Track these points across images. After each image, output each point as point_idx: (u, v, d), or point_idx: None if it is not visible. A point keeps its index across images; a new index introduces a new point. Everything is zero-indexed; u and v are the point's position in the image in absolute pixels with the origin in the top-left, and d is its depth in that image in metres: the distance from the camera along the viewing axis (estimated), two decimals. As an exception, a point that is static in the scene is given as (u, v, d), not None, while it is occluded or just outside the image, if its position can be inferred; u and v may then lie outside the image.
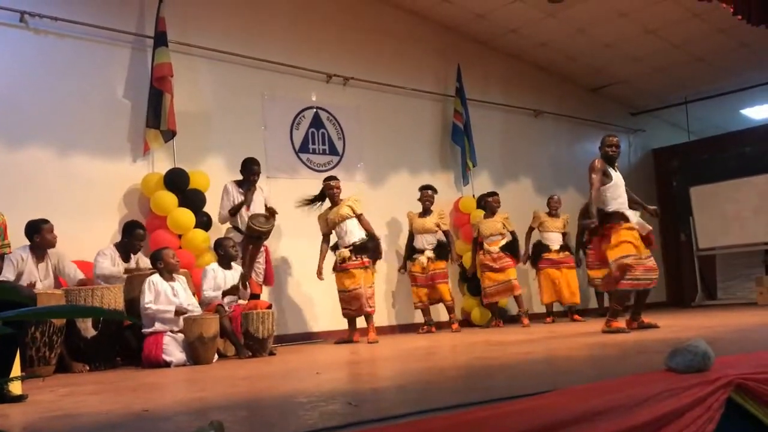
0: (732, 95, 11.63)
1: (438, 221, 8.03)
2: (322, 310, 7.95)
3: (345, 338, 7.20)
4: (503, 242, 8.45)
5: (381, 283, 7.76)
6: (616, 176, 6.15)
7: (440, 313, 8.64)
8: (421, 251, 7.99)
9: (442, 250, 8.02)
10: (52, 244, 5.64)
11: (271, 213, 6.79)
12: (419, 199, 8.12)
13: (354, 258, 6.98)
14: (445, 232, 8.10)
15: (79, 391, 3.98)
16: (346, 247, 7.02)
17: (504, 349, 5.02)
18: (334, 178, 7.35)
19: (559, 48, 10.12)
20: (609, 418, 2.19)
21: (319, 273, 7.15)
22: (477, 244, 8.56)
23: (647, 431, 2.25)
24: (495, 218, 8.56)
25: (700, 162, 11.92)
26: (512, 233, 8.57)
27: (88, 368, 5.47)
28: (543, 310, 9.11)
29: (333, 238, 7.28)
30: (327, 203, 7.34)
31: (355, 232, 7.06)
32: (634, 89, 11.72)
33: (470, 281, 9.01)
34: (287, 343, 7.39)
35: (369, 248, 7.06)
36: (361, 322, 7.25)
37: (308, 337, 7.80)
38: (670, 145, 12.64)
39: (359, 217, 7.12)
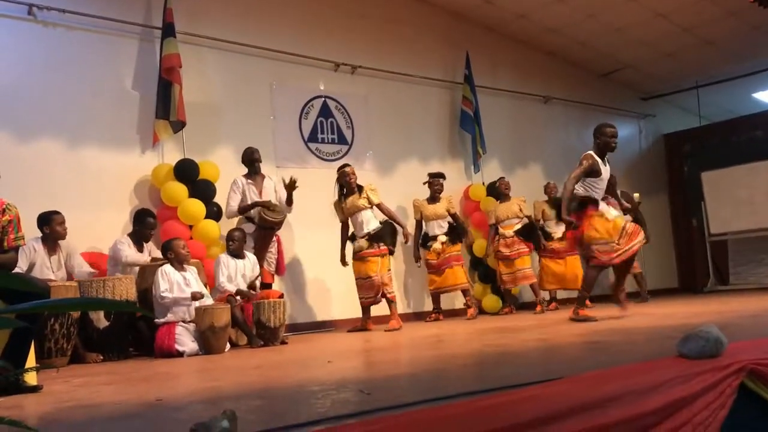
0: (743, 79, 11.52)
1: (448, 206, 8.02)
2: (334, 299, 7.98)
3: (358, 326, 7.18)
4: (519, 226, 8.42)
5: (393, 270, 7.74)
6: (605, 170, 6.03)
7: (453, 300, 8.65)
8: (435, 237, 7.98)
9: (455, 234, 7.99)
10: (62, 236, 5.67)
11: (291, 185, 6.77)
12: (430, 187, 8.08)
13: (371, 247, 6.96)
14: (453, 215, 8.09)
15: (94, 382, 4.01)
16: (362, 237, 7.01)
17: (515, 337, 5.02)
18: (347, 165, 7.26)
19: (568, 33, 10.04)
20: (621, 404, 2.19)
21: (342, 260, 7.14)
22: (494, 229, 8.55)
23: (659, 417, 2.25)
24: (511, 201, 8.55)
25: (711, 147, 11.84)
26: (528, 218, 8.53)
27: (101, 358, 5.52)
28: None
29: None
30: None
31: (370, 222, 7.01)
32: (645, 74, 11.63)
33: (481, 268, 9.01)
34: (299, 332, 7.42)
35: (385, 235, 7.01)
36: (378, 310, 7.23)
37: (320, 326, 7.83)
38: (682, 130, 12.55)
39: (378, 206, 7.06)
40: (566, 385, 2.37)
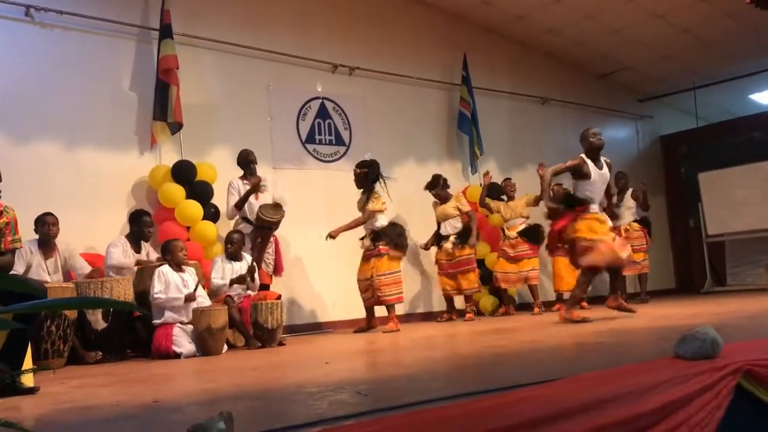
0: (740, 80, 11.54)
1: (456, 204, 8.01)
2: (332, 301, 7.98)
3: (363, 327, 7.17)
4: (522, 226, 8.41)
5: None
6: (598, 174, 6.05)
7: (457, 301, 8.65)
8: (447, 237, 7.97)
9: (463, 237, 7.93)
10: (51, 236, 5.66)
11: (276, 206, 6.81)
12: (434, 196, 8.10)
13: (372, 246, 6.97)
14: (468, 213, 8.01)
15: (90, 383, 4.01)
16: (367, 236, 7.04)
17: (513, 338, 5.03)
18: (358, 164, 7.21)
19: (566, 34, 10.05)
20: (617, 405, 2.19)
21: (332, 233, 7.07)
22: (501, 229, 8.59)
23: (656, 418, 2.25)
24: (515, 201, 8.53)
25: (708, 148, 11.86)
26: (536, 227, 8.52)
27: (101, 354, 5.50)
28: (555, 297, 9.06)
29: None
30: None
31: (375, 222, 7.02)
32: (642, 75, 11.64)
33: (481, 270, 8.99)
34: (297, 334, 7.41)
35: (385, 235, 7.00)
36: (380, 310, 7.22)
37: (319, 327, 7.82)
38: (679, 131, 12.57)
39: (366, 213, 7.01)
40: (563, 385, 2.37)
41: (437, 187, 8.03)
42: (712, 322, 4.00)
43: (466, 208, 8.04)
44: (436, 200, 8.12)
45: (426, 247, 8.17)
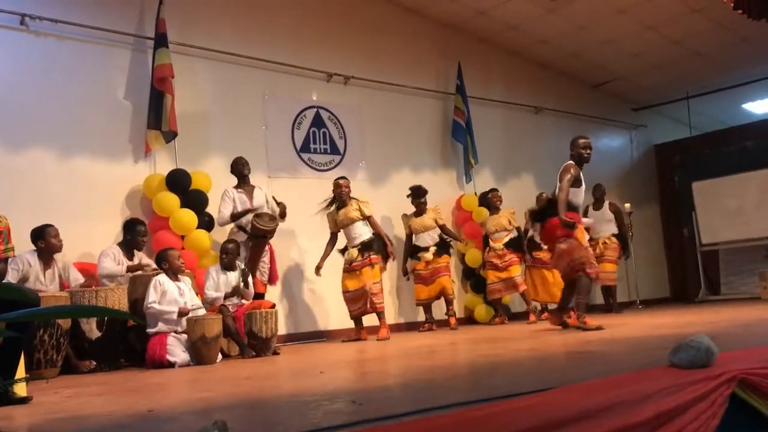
0: (733, 90, 11.61)
1: (435, 216, 8.05)
2: (327, 309, 7.96)
3: (352, 337, 7.21)
4: (507, 239, 8.46)
5: (385, 280, 7.75)
6: (583, 183, 6.26)
7: (440, 310, 8.64)
8: (426, 249, 8.00)
9: (443, 247, 8.05)
10: (58, 249, 5.61)
11: (281, 209, 6.83)
12: (412, 204, 8.13)
13: (362, 257, 7.02)
14: (442, 227, 8.12)
15: (84, 393, 3.99)
16: (353, 247, 7.07)
17: (507, 346, 5.02)
18: (343, 177, 7.37)
19: (559, 45, 10.10)
20: (612, 414, 2.19)
21: (317, 269, 7.22)
22: (485, 240, 8.64)
23: (651, 427, 2.25)
24: (500, 214, 8.61)
25: (702, 157, 11.90)
26: (518, 229, 8.61)
27: (95, 363, 5.47)
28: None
29: (341, 237, 7.37)
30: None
31: (363, 234, 7.11)
32: (635, 85, 11.70)
33: (473, 278, 9.01)
34: (295, 342, 7.40)
35: (375, 246, 7.08)
36: (368, 320, 7.25)
37: (316, 336, 7.81)
38: (672, 141, 12.62)
39: (368, 219, 7.16)
40: (558, 394, 2.37)
41: (423, 197, 8.06)
42: (707, 330, 4.01)
43: (442, 221, 8.18)
44: (409, 213, 8.15)
45: (405, 272, 8.17)
